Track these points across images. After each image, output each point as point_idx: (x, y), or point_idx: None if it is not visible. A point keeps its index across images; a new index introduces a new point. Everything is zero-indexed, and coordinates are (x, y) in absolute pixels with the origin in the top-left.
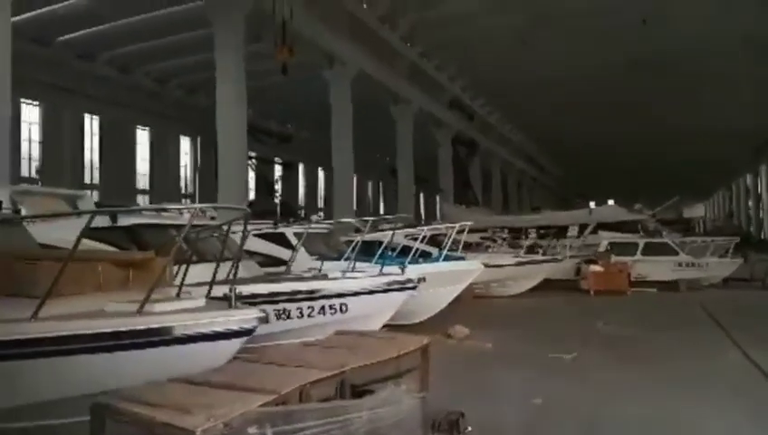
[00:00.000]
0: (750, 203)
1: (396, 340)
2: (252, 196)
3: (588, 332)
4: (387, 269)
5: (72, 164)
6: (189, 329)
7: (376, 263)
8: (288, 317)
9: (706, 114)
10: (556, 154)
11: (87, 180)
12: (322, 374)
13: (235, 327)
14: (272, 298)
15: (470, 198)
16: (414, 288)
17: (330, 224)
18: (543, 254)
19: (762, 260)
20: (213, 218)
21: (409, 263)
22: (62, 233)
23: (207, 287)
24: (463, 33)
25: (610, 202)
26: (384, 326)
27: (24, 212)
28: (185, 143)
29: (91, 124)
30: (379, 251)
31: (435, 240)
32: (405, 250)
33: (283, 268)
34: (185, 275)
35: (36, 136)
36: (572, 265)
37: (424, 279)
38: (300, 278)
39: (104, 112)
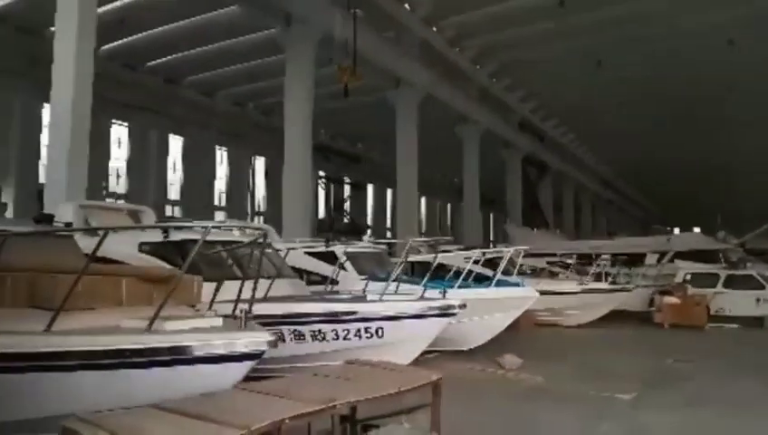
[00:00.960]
0: None
1: (404, 374)
2: (321, 214)
3: (655, 369)
4: (429, 293)
5: (156, 181)
6: (194, 350)
7: (424, 286)
8: (324, 339)
9: None
10: (635, 178)
11: (170, 196)
12: (306, 409)
13: (242, 350)
14: (304, 319)
15: (539, 221)
16: (454, 314)
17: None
18: (613, 282)
19: None
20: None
21: (459, 287)
22: (119, 246)
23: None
24: (533, 55)
25: (696, 230)
26: (430, 353)
27: (92, 224)
28: (260, 163)
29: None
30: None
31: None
32: (470, 274)
33: (336, 287)
34: (216, 291)
35: (124, 154)
36: (645, 296)
37: (465, 305)
38: (337, 299)
39: (187, 132)
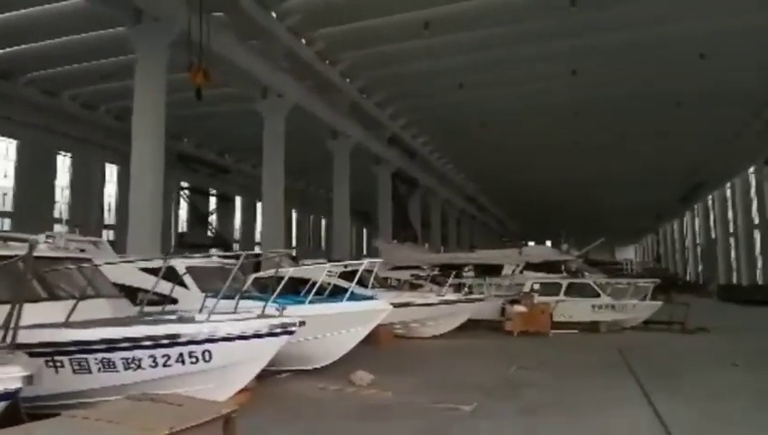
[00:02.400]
0: (677, 247)
1: (187, 409)
2: (184, 228)
3: (499, 377)
4: (268, 310)
5: None
6: None
7: (274, 302)
8: (139, 367)
9: (639, 163)
10: (496, 194)
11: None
12: None
13: None
14: (116, 344)
15: (409, 235)
16: (291, 333)
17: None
18: (468, 293)
19: (680, 304)
20: (82, 251)
21: (311, 302)
22: None
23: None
24: (402, 72)
25: (548, 243)
26: (280, 373)
27: None
28: (112, 172)
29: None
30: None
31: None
32: (337, 289)
33: (174, 307)
34: (9, 316)
35: None
36: (497, 306)
37: (303, 323)
38: (158, 320)
39: (24, 135)
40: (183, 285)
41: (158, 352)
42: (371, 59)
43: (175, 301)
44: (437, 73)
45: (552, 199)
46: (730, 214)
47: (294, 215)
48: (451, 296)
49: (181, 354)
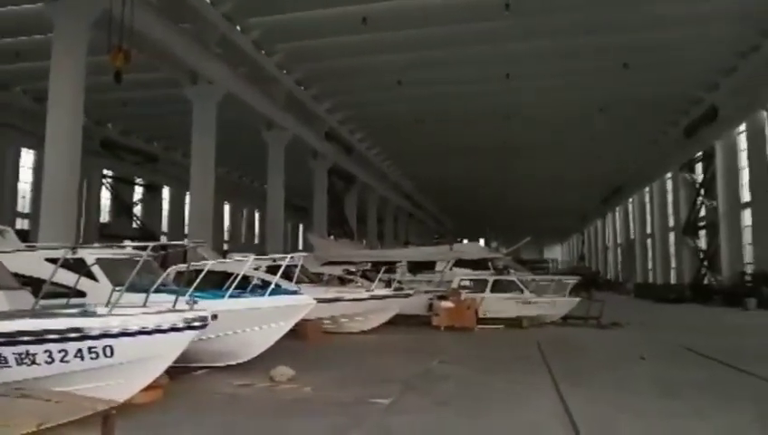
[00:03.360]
0: (599, 247)
1: (62, 405)
2: (107, 218)
3: (420, 371)
4: (180, 305)
5: None
6: None
7: (191, 296)
8: (33, 362)
9: (566, 165)
10: (432, 192)
11: None
12: None
13: None
14: (7, 338)
15: (345, 231)
16: (202, 327)
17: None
18: (398, 288)
19: (597, 301)
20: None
21: (230, 296)
22: None
23: None
24: (340, 66)
25: (481, 241)
26: (196, 369)
27: None
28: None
29: None
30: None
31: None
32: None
33: (82, 300)
34: None
35: None
36: (425, 301)
37: (216, 316)
38: (54, 314)
39: None
40: (92, 277)
41: (55, 347)
42: (308, 51)
43: (83, 294)
44: (375, 70)
45: (485, 199)
46: (648, 216)
47: (227, 207)
48: (380, 292)
49: (80, 350)
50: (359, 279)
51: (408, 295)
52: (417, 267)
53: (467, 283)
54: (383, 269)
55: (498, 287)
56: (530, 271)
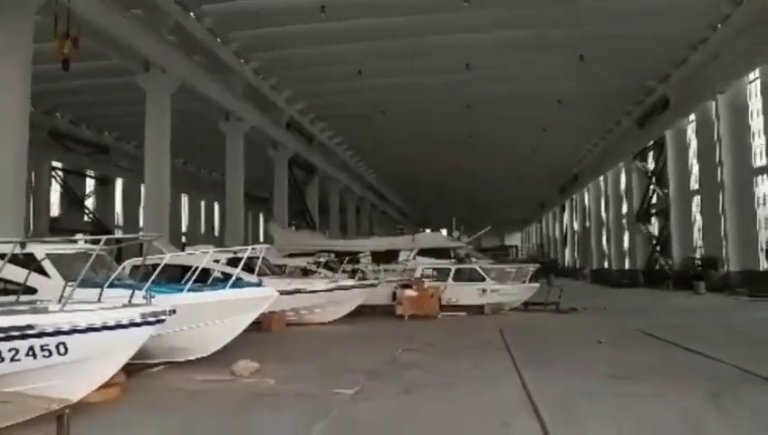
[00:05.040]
0: (557, 234)
1: (13, 406)
2: (57, 212)
3: (385, 360)
4: (137, 299)
5: None
6: None
7: (148, 290)
8: None
9: (525, 156)
10: (395, 183)
11: None
12: None
13: None
14: None
15: (307, 222)
16: (160, 322)
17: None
18: (362, 279)
19: (556, 286)
20: None
21: (189, 290)
22: None
23: None
24: (299, 55)
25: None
26: (155, 365)
27: None
28: None
29: None
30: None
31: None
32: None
33: (33, 297)
34: None
35: None
36: (389, 291)
37: (174, 311)
38: (3, 311)
39: None
40: (43, 272)
41: (5, 345)
42: (266, 40)
43: (33, 290)
44: (336, 59)
45: (448, 188)
46: (603, 204)
47: (185, 199)
48: (344, 282)
49: (32, 348)
50: (322, 270)
51: (371, 285)
52: (380, 257)
53: (430, 272)
54: (346, 260)
55: (460, 275)
56: (491, 259)
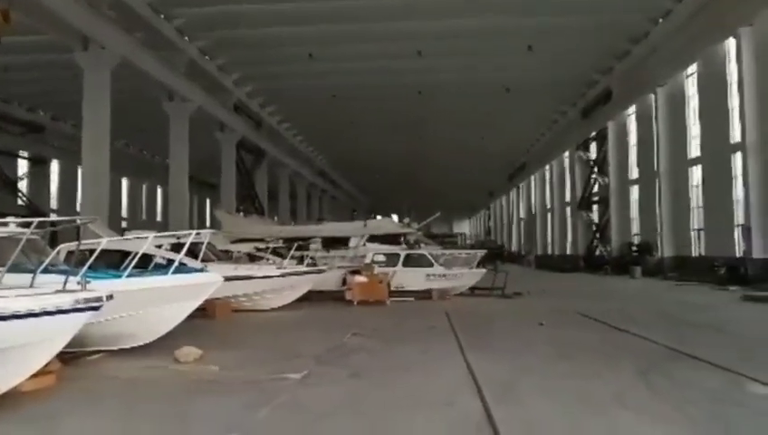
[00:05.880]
0: (504, 221)
1: None
2: None
3: (333, 345)
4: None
5: None
6: None
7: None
8: None
9: (475, 144)
10: (347, 169)
11: None
12: None
13: None
14: None
15: (255, 207)
16: (95, 308)
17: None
18: (311, 265)
19: (501, 272)
20: None
21: (129, 276)
22: None
23: None
24: (248, 36)
25: (394, 217)
26: (93, 353)
27: None
28: None
29: None
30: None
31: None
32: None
33: None
34: None
35: None
36: (339, 277)
37: (111, 297)
38: None
39: None
40: None
41: None
42: (212, 18)
43: None
44: (285, 41)
45: (399, 175)
46: (548, 192)
47: (126, 182)
48: (292, 268)
49: None
50: (270, 256)
51: (321, 271)
52: (330, 243)
53: (380, 257)
54: (295, 246)
55: (410, 261)
56: (440, 245)
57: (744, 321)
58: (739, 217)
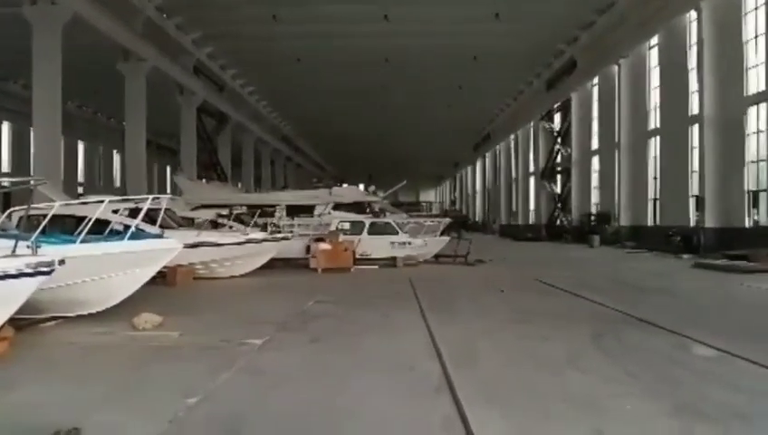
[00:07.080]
0: (469, 191)
1: None
2: None
3: (295, 312)
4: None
5: None
6: None
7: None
8: None
9: (441, 112)
10: (313, 136)
11: None
12: None
13: None
14: None
15: (218, 173)
16: (46, 274)
17: None
18: (275, 232)
19: (465, 240)
20: None
21: (83, 242)
22: None
23: None
24: None
25: (361, 185)
26: (47, 320)
27: None
28: None
29: None
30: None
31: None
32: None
33: None
34: None
35: None
36: (303, 244)
37: (63, 262)
38: None
39: None
40: None
41: None
42: None
43: None
44: (249, 1)
45: (365, 143)
46: (513, 163)
47: (81, 146)
48: (255, 235)
49: None
50: (233, 223)
51: (285, 239)
52: (295, 211)
53: (345, 225)
54: (258, 213)
55: (375, 229)
56: (406, 213)
57: (693, 287)
58: (694, 188)
